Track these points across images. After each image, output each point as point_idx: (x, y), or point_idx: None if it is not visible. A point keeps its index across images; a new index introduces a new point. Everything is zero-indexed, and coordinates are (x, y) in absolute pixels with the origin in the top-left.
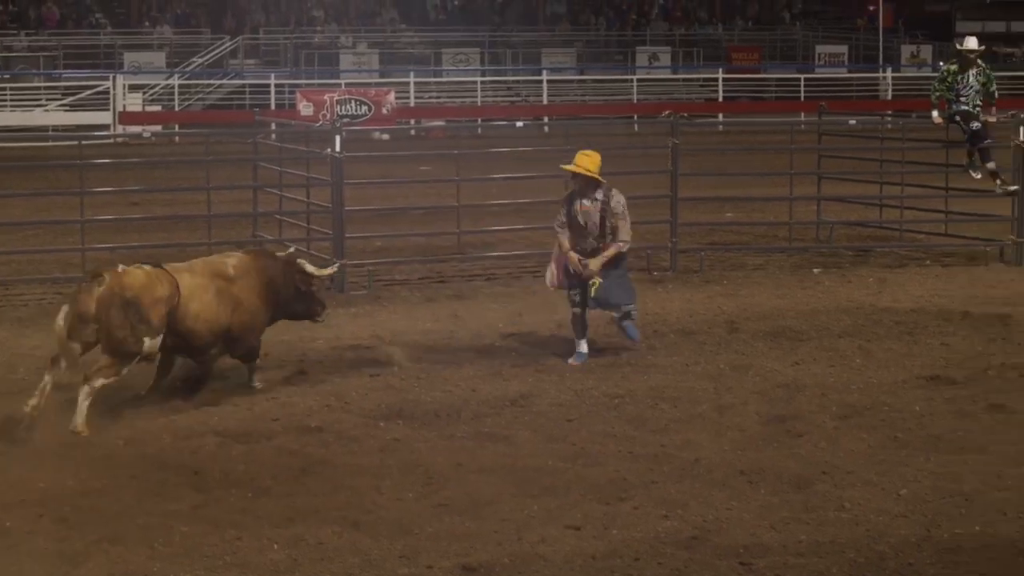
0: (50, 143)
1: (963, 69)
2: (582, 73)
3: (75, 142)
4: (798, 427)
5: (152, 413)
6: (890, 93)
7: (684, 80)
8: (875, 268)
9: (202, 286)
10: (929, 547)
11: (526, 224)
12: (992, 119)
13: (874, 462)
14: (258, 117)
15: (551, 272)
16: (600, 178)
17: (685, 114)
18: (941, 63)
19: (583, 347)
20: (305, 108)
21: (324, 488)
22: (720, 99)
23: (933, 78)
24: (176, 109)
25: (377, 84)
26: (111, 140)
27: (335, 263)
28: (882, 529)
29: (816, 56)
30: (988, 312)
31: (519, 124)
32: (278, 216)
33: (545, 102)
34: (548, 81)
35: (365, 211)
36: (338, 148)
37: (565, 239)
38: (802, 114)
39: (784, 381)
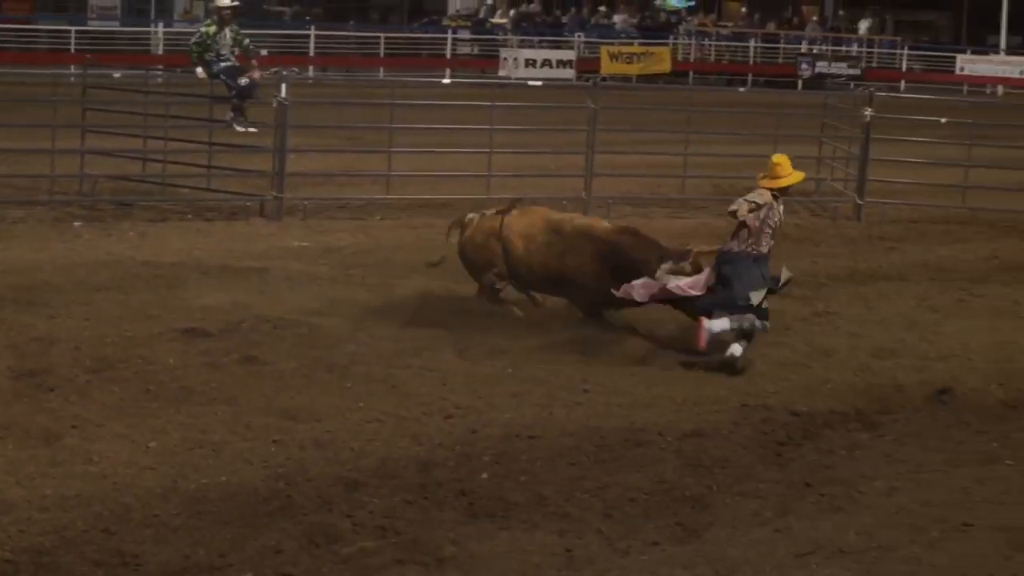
0: None
1: (220, 28)
2: None
3: None
4: (50, 381)
5: None
6: (161, 48)
7: None
8: (137, 222)
9: (532, 235)
10: (176, 498)
11: None
12: (257, 75)
13: (125, 415)
14: None
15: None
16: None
17: None
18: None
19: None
20: None
21: None
22: None
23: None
24: None
25: None
26: None
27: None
28: (129, 481)
29: (89, 8)
30: (246, 266)
31: None
32: None
33: None
34: None
35: None
36: None
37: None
38: (72, 67)
39: (38, 335)
